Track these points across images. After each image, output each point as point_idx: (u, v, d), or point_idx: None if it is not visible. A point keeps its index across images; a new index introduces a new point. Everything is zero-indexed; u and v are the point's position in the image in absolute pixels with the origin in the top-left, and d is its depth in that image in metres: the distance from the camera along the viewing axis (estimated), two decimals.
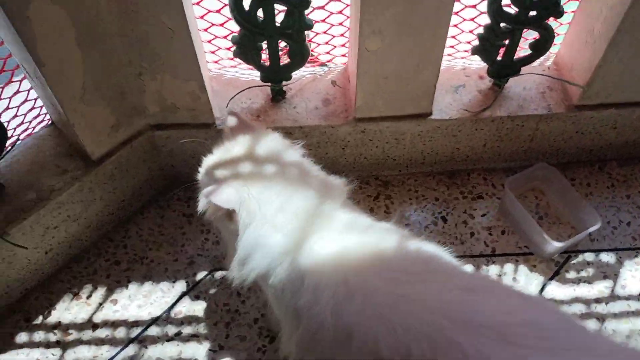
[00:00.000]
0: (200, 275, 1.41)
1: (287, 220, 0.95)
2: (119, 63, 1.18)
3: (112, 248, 1.45)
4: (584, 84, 1.36)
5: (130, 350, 1.29)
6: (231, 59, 1.43)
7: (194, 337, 1.31)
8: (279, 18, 1.22)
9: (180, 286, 1.39)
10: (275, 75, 1.35)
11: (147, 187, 1.49)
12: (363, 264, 0.94)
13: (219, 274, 1.41)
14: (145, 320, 1.34)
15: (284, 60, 1.32)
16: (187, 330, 1.33)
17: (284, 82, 1.38)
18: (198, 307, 1.36)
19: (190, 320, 1.34)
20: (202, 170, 1.06)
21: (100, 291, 1.38)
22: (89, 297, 1.37)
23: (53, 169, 1.29)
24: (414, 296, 0.88)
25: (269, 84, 1.38)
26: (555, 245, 1.33)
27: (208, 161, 1.05)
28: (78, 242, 1.40)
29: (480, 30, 1.34)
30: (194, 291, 1.38)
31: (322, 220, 0.98)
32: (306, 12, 1.21)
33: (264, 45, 1.28)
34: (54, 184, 1.26)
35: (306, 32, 1.26)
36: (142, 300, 1.36)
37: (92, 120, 1.23)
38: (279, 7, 1.20)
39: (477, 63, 1.47)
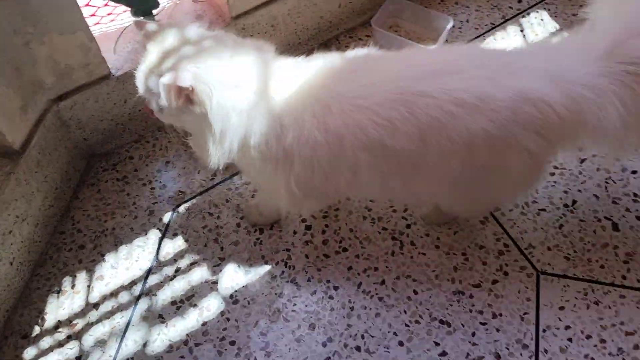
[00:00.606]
0: (167, 217, 1.44)
1: (244, 77, 1.05)
2: (4, 34, 1.15)
3: (68, 237, 1.41)
4: None
5: (143, 304, 1.31)
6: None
7: (193, 265, 1.36)
8: None
9: (154, 234, 1.41)
10: (144, 3, 1.40)
11: (71, 170, 1.46)
12: (323, 81, 1.08)
13: (182, 208, 1.46)
14: (141, 275, 1.35)
15: None
16: (183, 263, 1.37)
17: (155, 13, 1.44)
18: (180, 242, 1.40)
19: (181, 254, 1.38)
20: (141, 79, 1.06)
21: (81, 277, 1.35)
22: (73, 286, 1.34)
23: None
24: (371, 81, 1.06)
25: (142, 17, 1.43)
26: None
27: (143, 68, 1.07)
28: (34, 244, 1.34)
29: None
30: (168, 233, 1.42)
31: (272, 68, 1.10)
32: None
33: None
34: None
35: None
36: (126, 263, 1.37)
37: (0, 105, 1.18)
38: None
39: None
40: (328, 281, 1.34)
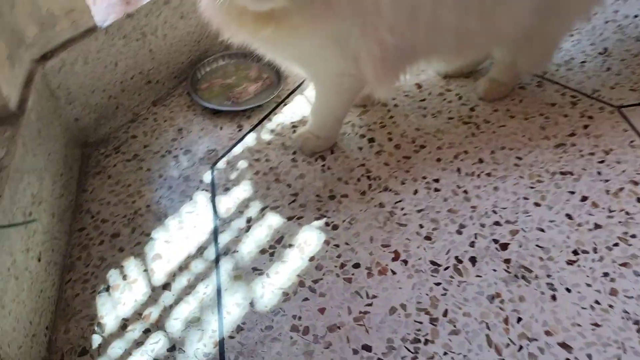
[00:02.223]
0: (207, 176, 1.17)
1: None
2: None
3: (92, 232, 1.08)
4: None
5: (227, 264, 1.01)
6: None
7: (265, 209, 1.10)
8: None
9: (202, 196, 1.13)
10: None
11: (69, 159, 1.15)
12: None
13: (220, 164, 1.20)
14: (207, 238, 1.06)
15: None
16: (252, 212, 1.10)
17: None
18: (238, 193, 1.14)
19: (245, 205, 1.11)
20: None
21: (131, 264, 1.02)
22: (124, 277, 1.00)
23: None
24: None
25: None
26: None
27: None
28: (55, 242, 1.00)
29: None
30: (218, 189, 1.14)
31: None
32: None
33: None
34: None
35: None
36: (182, 233, 1.07)
37: None
38: None
39: None
40: (424, 177, 1.15)
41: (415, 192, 1.12)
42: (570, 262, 0.98)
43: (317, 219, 1.09)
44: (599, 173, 1.13)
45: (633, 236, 1.01)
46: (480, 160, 1.18)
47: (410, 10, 0.97)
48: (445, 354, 0.87)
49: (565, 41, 1.46)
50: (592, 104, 1.28)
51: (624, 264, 0.96)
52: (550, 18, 1.11)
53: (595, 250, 0.99)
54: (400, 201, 1.11)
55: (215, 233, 1.07)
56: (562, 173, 1.14)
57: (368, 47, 0.99)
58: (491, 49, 1.25)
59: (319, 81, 1.14)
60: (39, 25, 1.05)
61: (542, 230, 1.03)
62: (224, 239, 1.06)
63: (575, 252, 0.99)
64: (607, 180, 1.11)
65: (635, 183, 1.10)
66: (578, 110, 1.27)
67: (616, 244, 1.00)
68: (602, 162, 1.15)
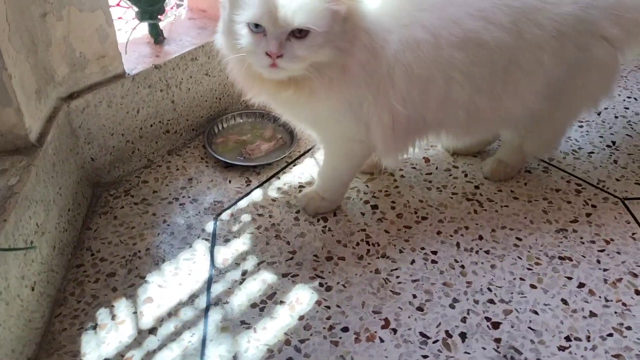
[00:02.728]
0: (210, 226, 1.19)
1: None
2: None
3: (89, 269, 1.09)
4: None
5: (215, 315, 1.00)
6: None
7: (262, 264, 1.10)
8: None
9: (202, 245, 1.15)
10: (151, 5, 1.29)
11: (80, 195, 1.18)
12: None
13: (224, 216, 1.22)
14: (201, 287, 1.06)
15: None
16: (249, 265, 1.11)
17: (160, 18, 1.33)
18: (237, 246, 1.15)
19: (242, 257, 1.12)
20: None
21: (122, 305, 1.02)
22: (113, 317, 1.00)
23: None
24: None
25: (148, 21, 1.31)
26: None
27: None
28: (52, 274, 1.01)
29: None
30: (218, 240, 1.16)
31: None
32: None
33: None
34: (8, 168, 0.92)
35: None
36: (177, 279, 1.07)
37: (21, 74, 0.96)
38: None
39: None
40: (422, 248, 1.15)
41: (413, 261, 1.12)
42: (561, 348, 0.96)
43: (312, 278, 1.09)
44: (599, 261, 1.12)
45: (628, 328, 0.99)
46: (480, 237, 1.18)
47: (423, 83, 1.01)
48: None
49: (575, 131, 1.49)
50: (596, 194, 1.29)
51: (617, 355, 0.94)
52: (558, 105, 1.15)
53: (588, 339, 0.97)
54: (396, 269, 1.11)
55: (209, 282, 1.07)
56: (560, 258, 1.13)
57: (379, 114, 1.03)
58: (500, 130, 1.28)
59: (330, 144, 1.18)
60: (70, 67, 1.12)
61: (536, 313, 1.02)
62: (217, 289, 1.06)
63: (567, 339, 0.97)
64: (606, 270, 1.11)
65: (635, 275, 1.09)
66: (582, 198, 1.28)
67: (610, 334, 0.98)
68: (602, 250, 1.15)
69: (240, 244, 1.16)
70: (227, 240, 1.17)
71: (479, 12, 1.00)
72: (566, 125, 1.29)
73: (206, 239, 1.17)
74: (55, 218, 1.05)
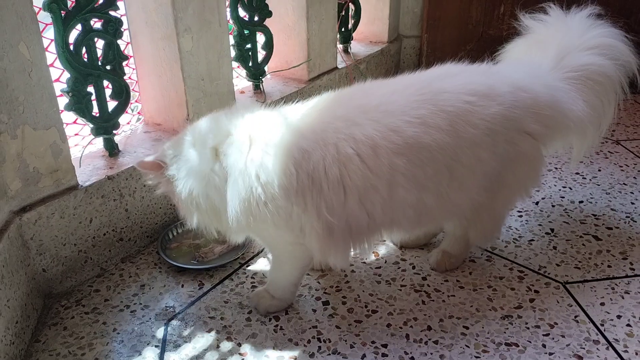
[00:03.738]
0: (160, 332, 1.19)
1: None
2: None
3: None
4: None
5: None
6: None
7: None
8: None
9: (151, 352, 1.14)
10: (107, 121, 1.37)
11: (30, 307, 1.17)
12: (331, 105, 1.15)
13: (175, 321, 1.22)
14: None
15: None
16: None
17: (114, 132, 1.40)
18: (187, 350, 1.14)
19: None
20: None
21: None
22: None
23: None
24: (389, 91, 1.16)
25: (103, 136, 1.38)
26: None
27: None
28: None
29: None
30: (168, 345, 1.15)
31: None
32: None
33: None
34: None
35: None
36: None
37: None
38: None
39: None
40: (373, 342, 1.16)
41: (363, 356, 1.13)
42: None
43: None
44: (544, 346, 1.15)
45: None
46: (429, 328, 1.20)
47: (360, 193, 1.07)
48: None
49: (515, 220, 1.57)
50: (538, 279, 1.35)
51: None
52: (496, 195, 1.23)
53: None
54: None
55: None
56: (507, 344, 1.16)
57: (311, 223, 1.08)
58: (445, 222, 1.35)
59: (272, 248, 1.24)
60: (24, 181, 1.16)
61: None
62: None
63: None
64: (551, 354, 1.13)
65: (579, 357, 1.12)
66: (525, 285, 1.33)
67: None
68: (547, 335, 1.18)
69: (191, 349, 1.15)
70: (177, 346, 1.16)
71: (417, 119, 1.09)
72: (504, 213, 1.37)
73: (156, 346, 1.16)
74: (2, 331, 1.04)
